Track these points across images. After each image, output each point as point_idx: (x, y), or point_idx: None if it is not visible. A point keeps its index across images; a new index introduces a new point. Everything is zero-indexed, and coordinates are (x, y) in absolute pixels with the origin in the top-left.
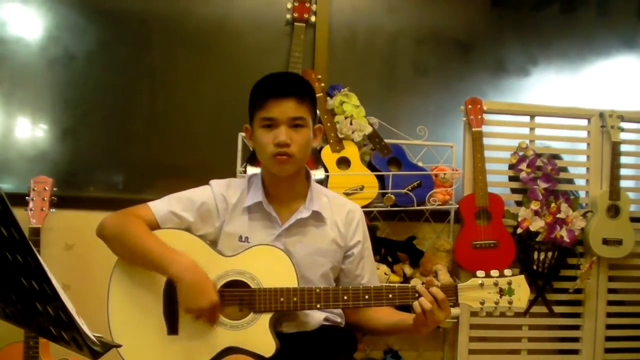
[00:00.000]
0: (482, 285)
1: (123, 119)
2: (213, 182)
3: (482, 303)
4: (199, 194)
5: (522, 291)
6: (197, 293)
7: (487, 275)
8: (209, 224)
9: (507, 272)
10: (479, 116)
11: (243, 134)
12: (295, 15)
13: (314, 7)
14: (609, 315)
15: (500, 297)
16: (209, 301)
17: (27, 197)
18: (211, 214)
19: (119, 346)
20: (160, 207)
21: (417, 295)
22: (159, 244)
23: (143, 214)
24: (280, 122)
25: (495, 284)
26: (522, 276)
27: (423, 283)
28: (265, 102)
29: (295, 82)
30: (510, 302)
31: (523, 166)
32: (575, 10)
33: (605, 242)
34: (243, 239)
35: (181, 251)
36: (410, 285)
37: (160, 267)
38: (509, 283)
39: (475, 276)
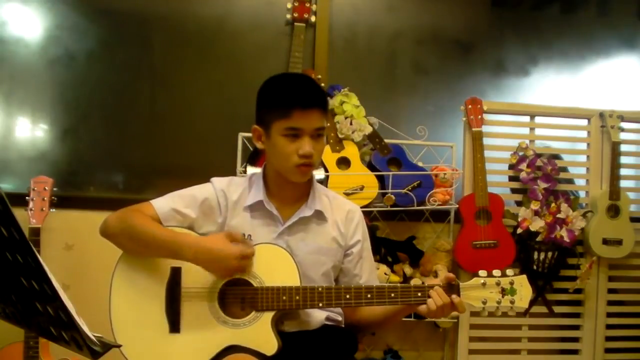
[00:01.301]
0: (484, 284)
1: (123, 119)
2: (214, 179)
3: (484, 302)
4: (201, 191)
5: (524, 291)
6: (219, 263)
7: (489, 275)
8: (211, 220)
9: (509, 271)
10: (479, 116)
11: (243, 134)
12: (295, 15)
13: (314, 7)
14: (609, 315)
15: (503, 296)
16: (234, 259)
17: (27, 197)
18: (213, 210)
19: (119, 346)
20: (162, 204)
21: (419, 294)
22: (166, 230)
23: (145, 211)
24: (305, 133)
25: (498, 284)
26: (524, 276)
27: (428, 286)
28: (291, 112)
29: (319, 90)
30: (512, 302)
31: (523, 166)
32: (575, 10)
33: (605, 242)
34: (246, 237)
35: (186, 232)
36: (412, 284)
37: (171, 253)
38: (511, 283)
39: (477, 276)
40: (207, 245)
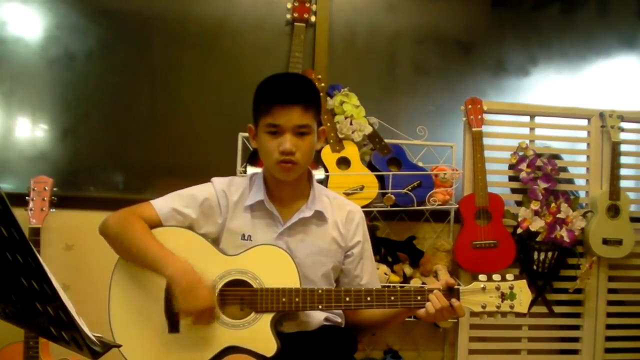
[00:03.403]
0: (484, 289)
1: (123, 119)
2: (215, 179)
3: (483, 307)
4: (201, 191)
5: (523, 296)
6: (192, 296)
7: (489, 280)
8: (211, 220)
9: (509, 276)
10: (479, 116)
11: (243, 134)
12: (295, 15)
13: (314, 7)
14: (609, 315)
15: (502, 301)
16: (203, 304)
17: (27, 197)
18: (213, 210)
19: (119, 346)
20: (162, 204)
21: (419, 298)
22: (157, 245)
23: (146, 212)
24: (286, 130)
25: (497, 288)
26: (524, 281)
27: (428, 290)
28: (271, 108)
29: (302, 87)
30: (511, 307)
31: (523, 166)
32: (575, 10)
33: (605, 242)
34: (246, 237)
35: (178, 254)
36: (412, 285)
37: (156, 268)
38: (511, 287)
39: (477, 280)
40: (191, 278)
